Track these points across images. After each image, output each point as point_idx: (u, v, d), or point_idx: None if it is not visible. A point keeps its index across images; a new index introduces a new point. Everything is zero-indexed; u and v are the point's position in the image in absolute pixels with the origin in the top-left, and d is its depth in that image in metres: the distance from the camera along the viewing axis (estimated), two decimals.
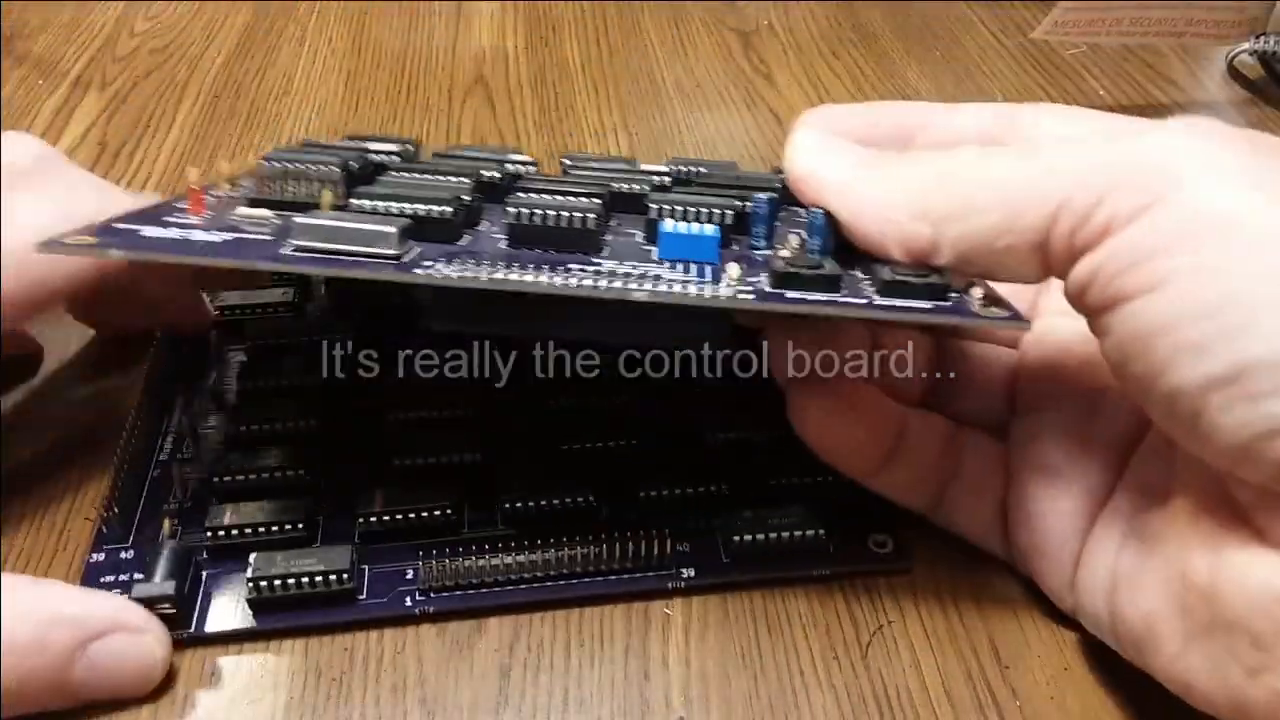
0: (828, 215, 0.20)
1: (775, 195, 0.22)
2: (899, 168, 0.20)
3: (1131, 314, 0.17)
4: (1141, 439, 0.21)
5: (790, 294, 0.19)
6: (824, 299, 0.19)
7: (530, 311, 0.20)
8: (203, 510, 0.23)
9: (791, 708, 0.20)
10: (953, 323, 0.19)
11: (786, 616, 0.22)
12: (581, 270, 0.19)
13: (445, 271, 0.18)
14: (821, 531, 0.23)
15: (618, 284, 0.19)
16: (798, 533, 0.23)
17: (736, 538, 0.23)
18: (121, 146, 0.38)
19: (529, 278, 0.18)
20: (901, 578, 0.23)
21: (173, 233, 0.20)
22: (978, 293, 0.19)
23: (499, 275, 0.18)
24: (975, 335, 0.24)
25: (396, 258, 0.19)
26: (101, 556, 0.22)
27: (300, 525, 0.23)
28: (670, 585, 0.22)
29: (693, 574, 0.23)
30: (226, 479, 0.23)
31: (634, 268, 0.20)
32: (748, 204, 0.22)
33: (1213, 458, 0.17)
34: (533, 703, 0.20)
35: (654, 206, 0.21)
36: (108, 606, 0.20)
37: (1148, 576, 0.19)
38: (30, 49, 0.45)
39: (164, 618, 0.21)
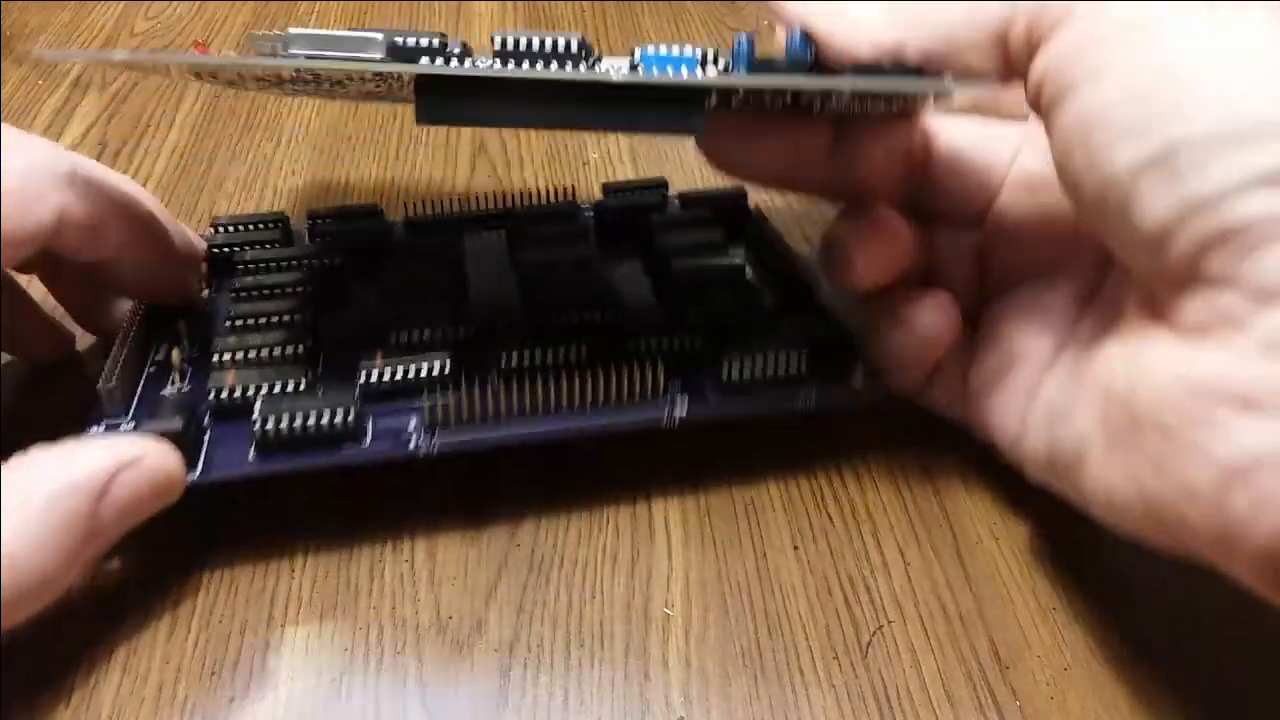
0: (805, 37, 0.21)
1: (751, 37, 0.23)
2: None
3: (1074, 104, 0.18)
4: (1097, 295, 0.22)
5: (769, 75, 0.21)
6: (801, 77, 0.21)
7: (512, 105, 0.21)
8: (202, 388, 0.24)
9: (792, 708, 0.20)
10: (930, 90, 0.21)
11: (786, 616, 0.22)
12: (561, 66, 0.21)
13: (437, 61, 0.21)
14: (803, 360, 0.24)
15: (598, 70, 0.21)
16: (781, 363, 0.24)
17: (724, 373, 0.24)
18: (122, 146, 0.38)
19: (512, 67, 0.21)
20: (900, 578, 0.23)
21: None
22: (949, 74, 0.21)
23: (483, 65, 0.21)
24: (956, 159, 0.25)
25: (383, 58, 0.21)
26: (100, 429, 0.22)
27: (302, 386, 0.23)
28: (664, 421, 0.23)
29: (684, 410, 0.24)
30: (225, 356, 0.24)
31: (615, 65, 0.21)
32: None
33: (1139, 252, 0.18)
34: (533, 703, 0.20)
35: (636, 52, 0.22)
36: (100, 454, 0.20)
37: (1080, 401, 0.20)
38: (30, 49, 0.45)
39: None
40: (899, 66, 0.21)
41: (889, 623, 0.22)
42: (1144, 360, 0.18)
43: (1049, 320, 0.22)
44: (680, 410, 0.23)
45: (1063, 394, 0.21)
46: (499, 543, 0.23)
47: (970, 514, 0.25)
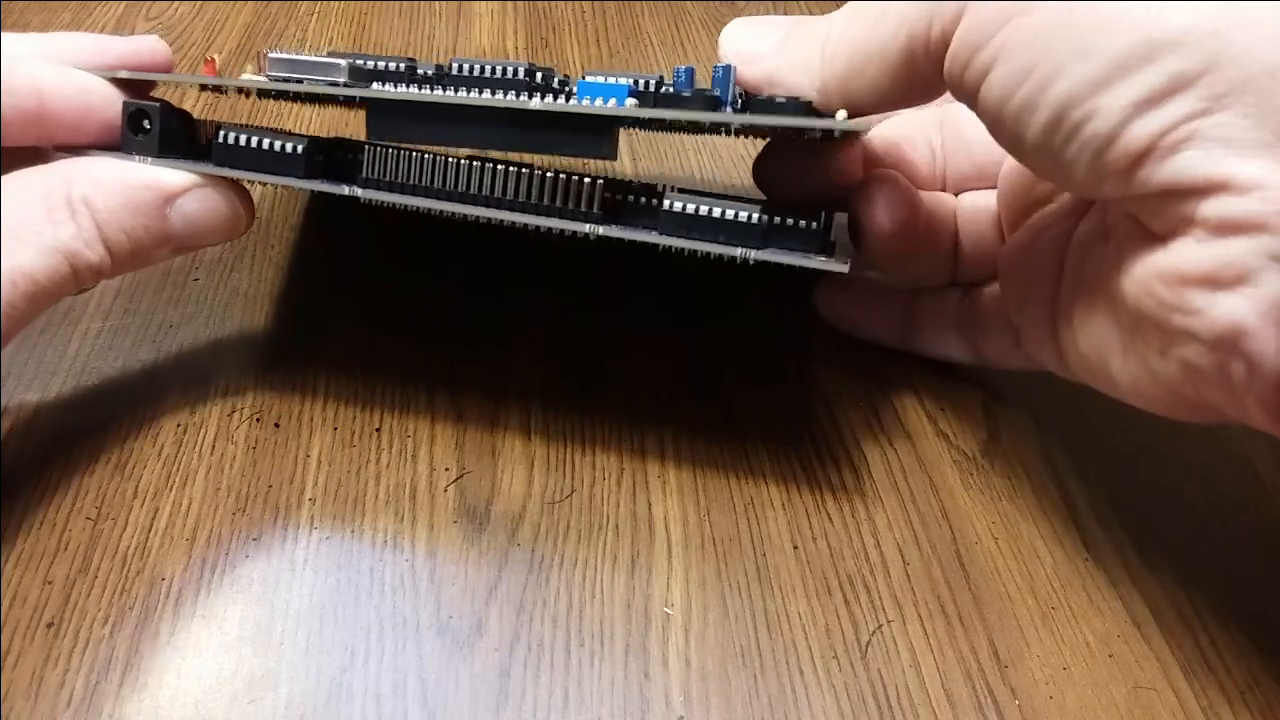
0: (727, 69, 0.24)
1: (692, 69, 0.25)
2: (797, 45, 0.24)
3: (983, 97, 0.20)
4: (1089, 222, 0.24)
5: (668, 109, 0.22)
6: (698, 111, 0.23)
7: (446, 128, 0.23)
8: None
9: (791, 708, 0.21)
10: (800, 125, 0.22)
11: (786, 616, 0.22)
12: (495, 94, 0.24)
13: (389, 88, 0.23)
14: (755, 216, 0.22)
15: (523, 98, 0.23)
16: (731, 211, 0.22)
17: (670, 204, 0.22)
18: None
19: (451, 94, 0.23)
20: (900, 578, 0.23)
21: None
22: (841, 114, 0.22)
23: (428, 92, 0.23)
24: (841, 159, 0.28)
25: (347, 83, 0.24)
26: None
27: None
28: (590, 235, 0.22)
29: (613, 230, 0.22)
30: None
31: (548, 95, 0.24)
32: (669, 84, 0.25)
33: (1086, 189, 0.20)
34: (533, 703, 0.20)
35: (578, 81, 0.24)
36: (179, 173, 0.23)
37: (1093, 317, 0.22)
38: None
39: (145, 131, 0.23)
40: (797, 104, 0.23)
41: (888, 622, 0.22)
42: (1131, 265, 0.20)
43: (1053, 248, 0.24)
44: (609, 228, 0.22)
45: (1078, 311, 0.23)
46: (499, 543, 0.23)
47: (970, 514, 0.25)
